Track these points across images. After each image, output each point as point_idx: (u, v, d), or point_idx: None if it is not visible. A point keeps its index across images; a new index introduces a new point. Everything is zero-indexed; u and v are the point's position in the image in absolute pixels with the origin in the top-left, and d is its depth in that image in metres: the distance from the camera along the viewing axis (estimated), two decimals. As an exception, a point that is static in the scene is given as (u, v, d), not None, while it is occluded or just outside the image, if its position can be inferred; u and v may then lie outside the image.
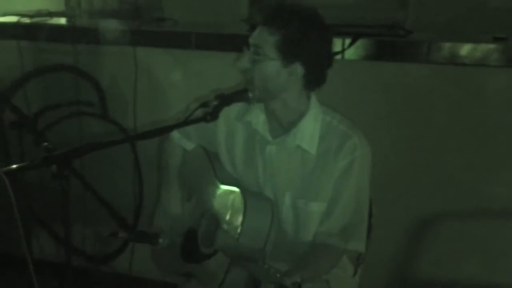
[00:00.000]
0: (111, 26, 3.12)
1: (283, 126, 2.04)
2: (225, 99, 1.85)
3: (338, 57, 2.73)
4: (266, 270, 1.74)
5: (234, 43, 2.81)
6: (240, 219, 1.92)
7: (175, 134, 2.27)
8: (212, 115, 1.81)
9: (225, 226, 1.98)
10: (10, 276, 2.86)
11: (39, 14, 3.38)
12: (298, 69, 1.92)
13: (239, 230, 1.91)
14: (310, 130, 2.01)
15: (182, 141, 2.27)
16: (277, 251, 2.09)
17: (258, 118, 2.07)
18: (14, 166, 1.44)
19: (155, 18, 3.29)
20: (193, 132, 2.23)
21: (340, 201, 2.02)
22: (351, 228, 2.03)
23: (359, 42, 2.76)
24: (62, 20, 3.42)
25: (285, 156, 2.05)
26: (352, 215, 2.03)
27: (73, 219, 3.27)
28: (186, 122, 1.84)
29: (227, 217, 1.99)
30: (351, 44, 2.74)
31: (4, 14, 3.44)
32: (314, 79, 1.96)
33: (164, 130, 1.88)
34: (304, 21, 1.89)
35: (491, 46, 2.64)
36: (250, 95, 1.89)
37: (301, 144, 2.00)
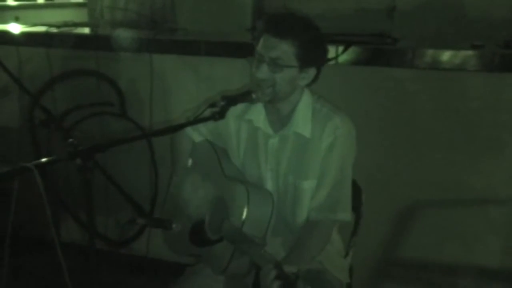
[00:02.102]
0: (129, 35, 3.13)
1: (281, 120, 2.05)
2: (231, 100, 1.84)
3: (332, 62, 2.73)
4: (265, 257, 1.75)
5: (239, 50, 2.82)
6: (244, 210, 1.92)
7: (187, 128, 2.26)
8: (219, 114, 1.80)
9: (230, 216, 1.98)
10: (41, 257, 2.87)
11: (65, 24, 3.40)
12: (312, 72, 1.94)
13: (242, 219, 1.91)
14: (303, 115, 2.01)
15: (192, 133, 2.26)
16: (276, 232, 2.09)
17: (258, 116, 2.07)
18: (43, 159, 1.44)
19: (168, 28, 3.30)
20: (203, 127, 2.23)
21: (326, 177, 2.01)
22: (337, 200, 2.03)
23: (351, 49, 2.75)
24: (86, 30, 3.44)
25: (285, 145, 2.05)
26: (338, 188, 2.03)
27: (96, 208, 3.28)
28: (196, 120, 1.84)
29: (232, 207, 1.99)
30: (344, 51, 2.74)
31: (35, 25, 3.45)
32: (316, 78, 1.98)
33: (177, 128, 1.87)
34: (314, 30, 1.92)
35: (470, 52, 2.63)
36: (254, 96, 1.89)
37: (297, 129, 2.01)
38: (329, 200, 2.03)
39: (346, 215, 2.07)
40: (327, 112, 2.02)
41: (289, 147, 2.05)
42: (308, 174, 2.04)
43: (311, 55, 1.90)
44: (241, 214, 1.91)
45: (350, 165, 2.07)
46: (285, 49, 1.85)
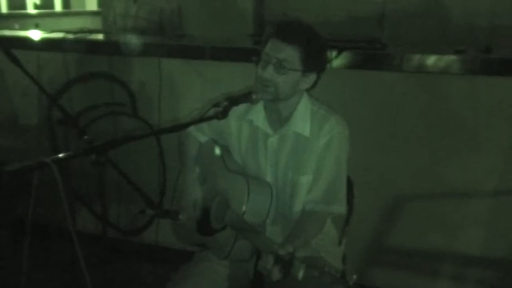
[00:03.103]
0: (139, 41, 3.13)
1: (280, 120, 2.05)
2: (233, 100, 1.84)
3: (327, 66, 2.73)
4: (265, 242, 1.75)
5: (242, 55, 2.82)
6: (244, 199, 1.93)
7: (191, 129, 2.27)
8: (222, 114, 1.81)
9: (232, 206, 1.99)
10: (58, 245, 2.88)
11: (81, 31, 3.40)
12: (312, 77, 1.95)
13: (244, 209, 1.92)
14: (302, 116, 2.02)
15: (197, 134, 2.27)
16: (275, 221, 2.10)
17: (258, 116, 2.07)
18: (61, 155, 1.44)
19: (176, 34, 3.29)
20: (206, 127, 2.24)
21: (323, 172, 2.02)
22: (332, 194, 2.04)
23: (344, 54, 2.76)
24: (100, 36, 3.43)
25: (284, 144, 2.05)
26: (333, 183, 2.04)
27: (109, 199, 3.30)
28: (201, 119, 1.85)
29: (234, 198, 1.99)
30: (337, 56, 2.74)
31: (53, 31, 3.45)
32: (315, 84, 1.99)
33: (183, 126, 1.88)
34: (319, 37, 1.93)
35: (453, 57, 2.63)
36: (254, 96, 1.89)
37: (297, 129, 2.01)
38: (326, 194, 2.04)
39: (341, 208, 2.08)
40: (324, 114, 2.03)
41: (288, 145, 2.05)
42: (305, 169, 2.04)
43: (314, 61, 1.91)
44: (243, 203, 1.92)
45: (344, 161, 2.07)
46: (291, 53, 1.86)
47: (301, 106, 2.02)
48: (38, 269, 3.20)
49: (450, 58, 2.63)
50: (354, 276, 1.43)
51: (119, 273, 3.24)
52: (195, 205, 2.20)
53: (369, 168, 2.87)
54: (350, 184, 2.22)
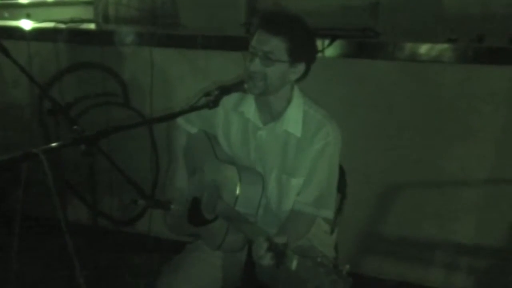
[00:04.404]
0: (131, 30, 3.10)
1: (272, 114, 2.03)
2: (225, 90, 1.83)
3: (319, 55, 2.71)
4: (257, 231, 1.75)
5: (234, 44, 2.80)
6: (236, 190, 1.91)
7: (181, 121, 2.26)
8: (213, 103, 1.79)
9: (223, 196, 1.98)
10: (50, 236, 2.86)
11: (72, 20, 3.37)
12: (301, 67, 1.92)
13: (235, 199, 1.91)
14: (294, 116, 2.00)
15: (187, 126, 2.26)
16: (266, 217, 2.10)
17: (250, 108, 2.06)
18: (50, 145, 1.43)
19: (169, 23, 3.27)
20: (196, 118, 2.22)
21: (315, 177, 2.01)
22: (322, 199, 2.03)
23: (337, 43, 2.74)
24: (92, 26, 3.40)
25: (273, 140, 2.04)
26: (324, 188, 2.03)
27: (101, 189, 3.28)
28: (192, 108, 1.83)
29: (225, 188, 1.98)
30: (329, 44, 2.73)
31: (44, 21, 3.42)
32: (305, 74, 1.96)
33: (175, 115, 1.86)
34: (305, 27, 1.90)
35: (445, 46, 2.63)
36: (246, 86, 1.87)
37: (288, 128, 1.99)
38: (316, 198, 2.03)
39: (328, 213, 2.07)
40: (321, 119, 2.00)
41: (278, 143, 2.04)
42: (296, 172, 2.03)
43: (301, 51, 1.89)
44: (234, 193, 1.92)
45: (336, 166, 2.07)
46: (277, 44, 1.84)
47: (294, 104, 2.00)
48: (30, 260, 3.19)
49: (443, 46, 2.63)
50: (347, 266, 1.43)
51: (112, 263, 3.23)
52: (183, 196, 2.19)
53: (361, 157, 2.87)
54: (342, 173, 2.22)
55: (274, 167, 2.05)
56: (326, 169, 2.01)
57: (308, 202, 2.02)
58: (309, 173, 2.01)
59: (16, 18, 3.48)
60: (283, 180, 2.05)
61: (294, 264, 1.53)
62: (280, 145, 2.03)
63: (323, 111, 2.04)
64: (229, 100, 1.99)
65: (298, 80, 1.98)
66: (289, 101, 2.00)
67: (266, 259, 1.62)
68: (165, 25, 3.34)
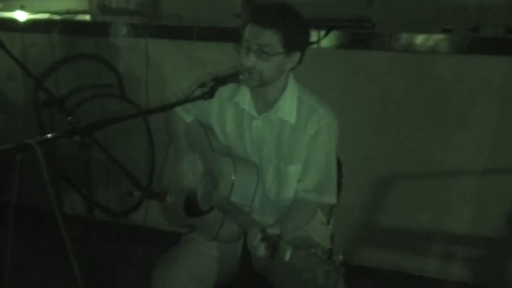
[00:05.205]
0: (126, 21, 3.09)
1: (266, 103, 2.03)
2: (220, 80, 1.82)
3: (315, 46, 2.71)
4: (252, 223, 1.75)
5: (229, 35, 2.79)
6: (231, 179, 1.91)
7: (177, 108, 2.25)
8: (208, 94, 1.78)
9: (219, 187, 1.98)
10: (46, 228, 2.85)
11: (67, 12, 3.35)
12: (297, 55, 1.92)
13: (230, 190, 1.91)
14: (288, 103, 2.00)
15: (183, 114, 2.25)
16: (264, 207, 2.10)
17: (244, 98, 2.05)
18: (44, 136, 1.42)
19: (163, 14, 3.25)
20: (191, 108, 2.22)
21: (312, 163, 2.01)
22: (323, 184, 2.04)
23: (332, 34, 2.73)
24: (87, 17, 3.38)
25: (269, 128, 2.04)
26: (323, 174, 2.03)
27: (97, 181, 3.27)
28: (187, 99, 1.82)
29: (221, 179, 1.98)
30: (325, 35, 2.72)
31: (38, 12, 3.40)
32: (300, 61, 1.96)
33: (170, 106, 1.85)
34: (297, 17, 1.88)
35: (441, 36, 2.62)
36: (241, 77, 1.86)
37: (283, 116, 1.99)
38: (316, 184, 2.04)
39: (331, 198, 2.08)
40: (313, 104, 2.00)
41: (274, 131, 2.04)
42: (293, 159, 2.03)
43: (295, 40, 1.88)
44: (229, 183, 1.91)
45: (334, 151, 2.07)
46: (271, 37, 1.83)
47: (288, 92, 2.00)
48: (25, 253, 3.19)
49: (438, 37, 2.62)
50: (341, 257, 1.44)
51: (107, 255, 3.22)
52: (183, 186, 2.18)
53: (357, 147, 2.87)
54: (338, 164, 2.22)
55: (271, 155, 2.05)
56: (322, 154, 2.02)
57: (309, 189, 2.03)
58: (306, 159, 2.02)
59: (10, 9, 3.46)
60: (280, 168, 2.05)
61: (287, 255, 1.53)
62: (276, 133, 2.03)
63: (316, 97, 2.04)
64: (224, 91, 1.98)
65: (293, 69, 1.98)
66: (283, 89, 2.00)
67: (261, 250, 1.62)
68: (159, 16, 3.32)
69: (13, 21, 3.32)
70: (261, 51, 1.83)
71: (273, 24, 1.82)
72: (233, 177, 1.91)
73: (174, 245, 2.15)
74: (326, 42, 2.74)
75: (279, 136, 2.03)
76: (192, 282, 1.96)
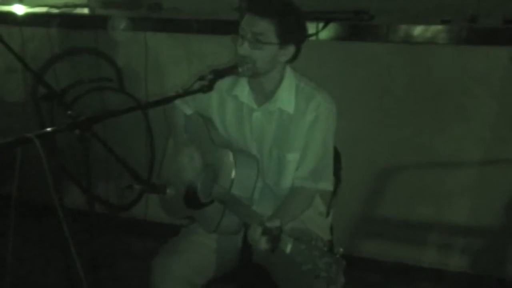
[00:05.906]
0: (125, 15, 3.08)
1: (265, 95, 2.03)
2: (219, 73, 1.82)
3: (313, 38, 2.71)
4: (252, 215, 1.76)
5: (227, 28, 2.77)
6: (231, 173, 1.92)
7: (177, 101, 2.25)
8: (207, 87, 1.78)
9: (219, 179, 1.98)
10: (46, 221, 2.86)
11: (65, 5, 3.34)
12: (291, 49, 1.92)
13: (230, 182, 1.91)
14: (287, 93, 2.00)
15: (183, 107, 2.25)
16: (263, 198, 2.10)
17: (243, 91, 2.06)
18: (44, 130, 1.42)
19: (162, 7, 3.25)
20: (191, 101, 2.22)
21: (310, 150, 2.02)
22: (320, 171, 2.05)
23: (331, 26, 2.73)
24: (85, 10, 3.37)
25: (268, 119, 2.04)
26: (320, 160, 2.04)
27: (98, 175, 3.27)
28: (186, 93, 1.82)
29: (221, 171, 1.98)
30: (323, 27, 2.72)
31: (37, 6, 3.39)
32: (296, 55, 1.95)
33: (169, 100, 1.86)
34: (293, 8, 1.89)
35: (439, 27, 2.62)
36: (240, 69, 1.87)
37: (282, 106, 2.00)
38: (313, 171, 2.05)
39: (327, 184, 2.09)
40: (311, 90, 2.01)
41: (274, 122, 2.04)
42: (291, 147, 2.04)
43: (290, 32, 1.88)
44: (229, 176, 1.92)
45: (331, 138, 2.07)
46: (265, 27, 1.83)
47: (286, 82, 2.01)
48: (26, 246, 3.20)
49: (437, 28, 2.62)
50: (341, 249, 1.44)
51: (108, 248, 3.23)
52: (183, 178, 2.18)
53: (356, 139, 2.87)
54: (337, 156, 2.22)
55: (271, 146, 2.06)
56: (320, 141, 2.02)
57: (305, 176, 2.04)
58: (304, 147, 2.03)
59: (9, 3, 3.45)
60: (280, 157, 2.06)
61: (288, 248, 1.54)
62: (275, 124, 2.04)
63: (313, 84, 2.04)
64: (223, 84, 1.99)
65: (289, 62, 1.98)
66: (281, 80, 2.00)
67: (262, 243, 1.64)
68: (158, 9, 3.31)
69: (11, 15, 3.31)
70: (255, 39, 1.84)
71: (269, 13, 1.83)
72: (233, 171, 1.91)
73: (174, 237, 2.16)
74: (324, 34, 2.74)
75: (278, 126, 2.03)
76: (192, 273, 1.97)
